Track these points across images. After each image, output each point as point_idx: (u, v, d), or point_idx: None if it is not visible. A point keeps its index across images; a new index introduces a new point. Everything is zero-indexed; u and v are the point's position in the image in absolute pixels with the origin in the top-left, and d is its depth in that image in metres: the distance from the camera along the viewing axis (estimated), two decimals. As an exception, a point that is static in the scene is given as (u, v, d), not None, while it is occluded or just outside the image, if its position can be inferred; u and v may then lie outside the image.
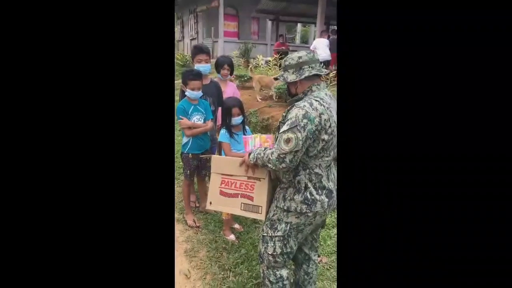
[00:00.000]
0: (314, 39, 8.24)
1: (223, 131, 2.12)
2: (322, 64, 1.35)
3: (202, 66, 2.40)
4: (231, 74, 2.59)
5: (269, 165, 1.29)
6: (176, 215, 2.61)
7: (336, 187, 1.37)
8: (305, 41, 17.45)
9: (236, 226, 2.40)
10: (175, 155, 3.85)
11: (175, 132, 4.85)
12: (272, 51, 10.46)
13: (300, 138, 1.19)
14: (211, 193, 1.68)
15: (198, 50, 2.47)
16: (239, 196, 1.56)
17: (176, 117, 2.29)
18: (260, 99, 5.54)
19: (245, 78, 6.37)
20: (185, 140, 2.33)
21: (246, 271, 1.92)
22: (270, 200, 1.46)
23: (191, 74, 2.23)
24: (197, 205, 2.72)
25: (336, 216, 2.24)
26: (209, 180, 2.76)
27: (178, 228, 2.43)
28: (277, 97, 5.36)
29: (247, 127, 2.27)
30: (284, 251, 1.39)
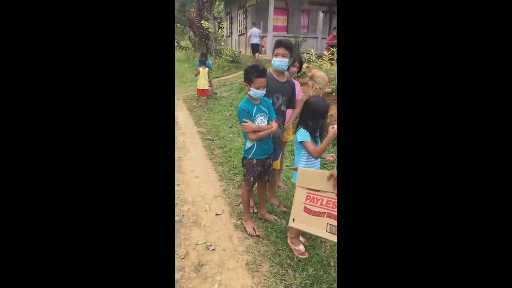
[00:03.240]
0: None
1: (302, 130, 1.91)
2: None
3: (278, 61, 2.20)
4: (298, 71, 2.37)
5: None
6: (234, 221, 2.48)
7: None
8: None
9: (300, 238, 2.19)
10: (234, 158, 3.76)
11: (235, 134, 4.77)
12: (323, 45, 9.98)
13: None
14: (294, 209, 1.47)
15: (278, 44, 2.25)
16: (325, 215, 1.33)
17: (239, 120, 2.13)
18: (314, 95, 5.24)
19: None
20: (248, 144, 2.14)
21: (317, 295, 1.71)
22: None
23: (256, 70, 1.98)
24: (255, 210, 2.57)
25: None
26: (269, 186, 2.61)
27: (237, 235, 2.29)
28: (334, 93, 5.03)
29: None
30: None
